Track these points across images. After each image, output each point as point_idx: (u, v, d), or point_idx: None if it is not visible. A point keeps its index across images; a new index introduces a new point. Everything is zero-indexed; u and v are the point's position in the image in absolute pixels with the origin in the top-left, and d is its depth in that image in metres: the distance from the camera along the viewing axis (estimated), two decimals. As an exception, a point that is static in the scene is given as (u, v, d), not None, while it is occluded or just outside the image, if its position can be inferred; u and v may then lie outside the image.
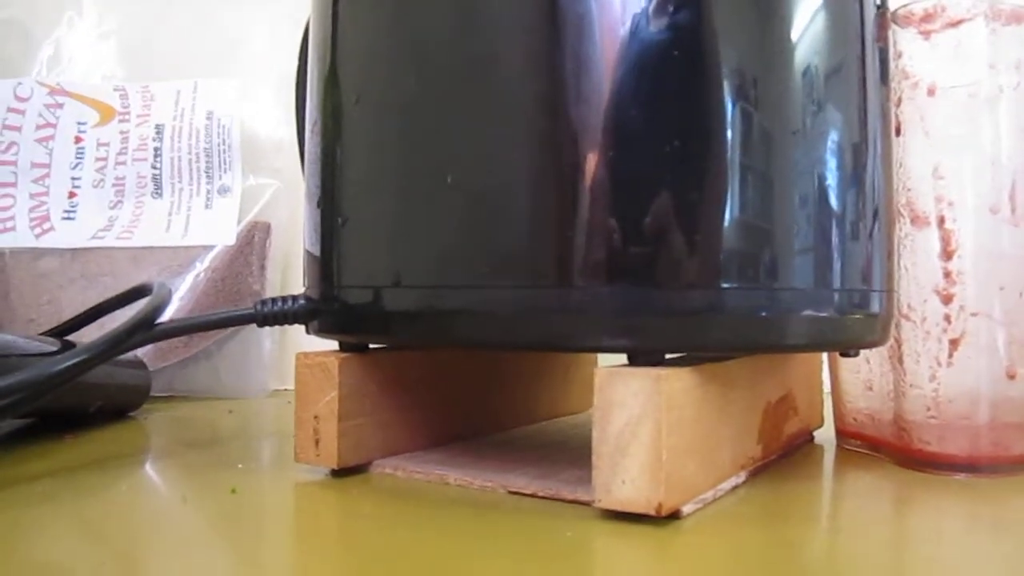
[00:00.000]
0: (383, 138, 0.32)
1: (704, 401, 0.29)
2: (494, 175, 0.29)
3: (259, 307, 0.36)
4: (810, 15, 0.30)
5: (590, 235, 0.28)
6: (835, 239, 0.30)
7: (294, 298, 0.36)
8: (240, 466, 0.37)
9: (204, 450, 0.41)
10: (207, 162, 0.60)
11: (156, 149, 0.60)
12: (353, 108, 0.33)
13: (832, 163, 0.30)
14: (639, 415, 0.27)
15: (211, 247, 0.58)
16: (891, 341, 0.35)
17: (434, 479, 0.33)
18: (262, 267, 0.60)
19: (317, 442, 0.34)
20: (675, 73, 0.28)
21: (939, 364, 0.35)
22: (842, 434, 0.42)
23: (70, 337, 0.48)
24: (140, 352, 0.51)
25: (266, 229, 0.61)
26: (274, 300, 0.36)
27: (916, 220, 0.35)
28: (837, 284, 0.30)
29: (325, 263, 0.34)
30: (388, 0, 0.32)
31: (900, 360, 0.36)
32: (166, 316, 0.56)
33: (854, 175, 0.31)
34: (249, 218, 0.60)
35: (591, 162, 0.28)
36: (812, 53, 0.30)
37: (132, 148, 0.60)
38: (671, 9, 0.28)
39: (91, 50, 0.63)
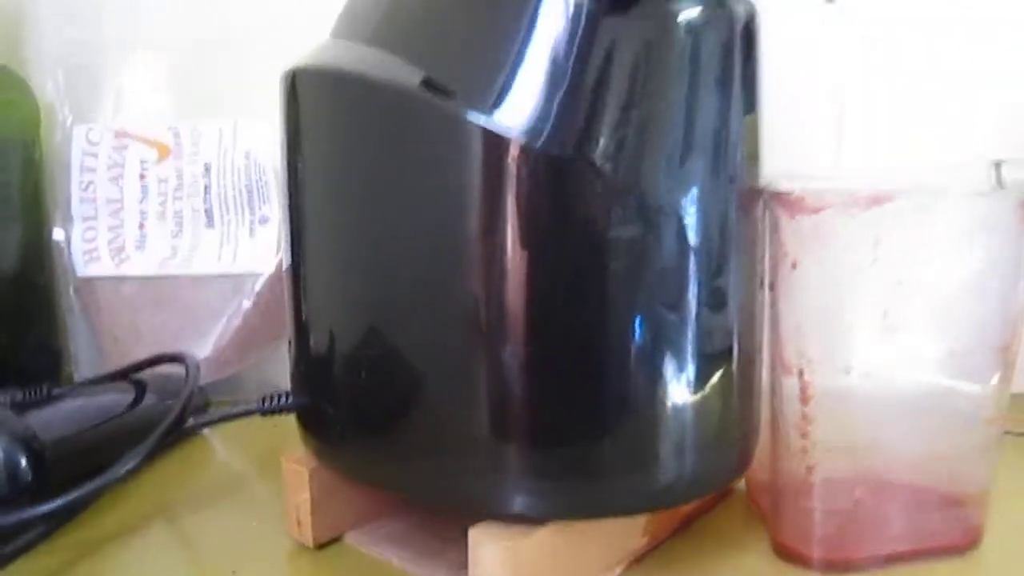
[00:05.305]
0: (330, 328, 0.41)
1: (564, 541, 0.38)
2: (386, 383, 0.38)
3: (260, 404, 0.47)
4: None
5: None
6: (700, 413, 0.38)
7: (287, 395, 0.46)
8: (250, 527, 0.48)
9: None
10: (248, 196, 0.69)
11: (206, 186, 0.69)
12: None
13: (699, 342, 0.37)
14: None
15: (257, 274, 0.69)
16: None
17: (383, 559, 0.44)
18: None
19: (299, 523, 0.45)
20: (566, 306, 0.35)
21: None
22: (750, 495, 0.50)
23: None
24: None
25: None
26: (272, 396, 0.47)
27: (785, 369, 0.41)
28: (699, 452, 0.38)
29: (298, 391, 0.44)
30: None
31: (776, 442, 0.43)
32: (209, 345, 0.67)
33: (721, 353, 0.38)
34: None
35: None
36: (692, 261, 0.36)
37: (187, 184, 0.70)
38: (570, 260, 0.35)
39: (146, 92, 0.71)
